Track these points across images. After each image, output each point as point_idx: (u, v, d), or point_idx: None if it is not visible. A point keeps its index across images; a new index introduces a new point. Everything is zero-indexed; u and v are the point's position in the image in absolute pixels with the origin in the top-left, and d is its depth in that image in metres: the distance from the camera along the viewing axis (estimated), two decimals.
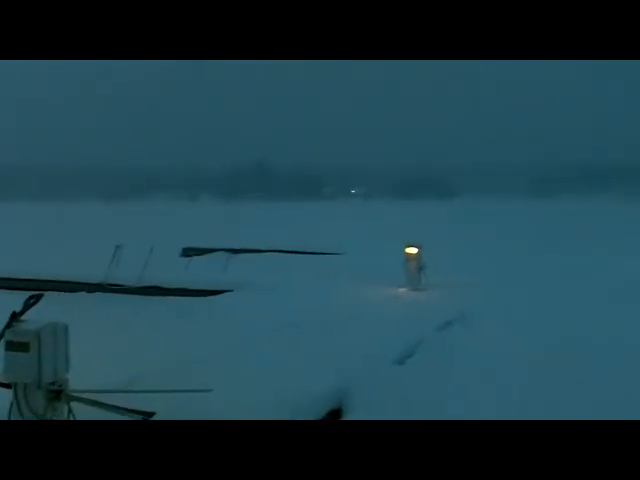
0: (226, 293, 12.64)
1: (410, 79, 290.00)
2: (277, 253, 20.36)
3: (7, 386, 4.43)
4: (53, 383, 4.38)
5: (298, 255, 19.97)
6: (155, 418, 4.64)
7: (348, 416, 5.69)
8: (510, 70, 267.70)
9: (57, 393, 4.40)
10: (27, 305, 4.50)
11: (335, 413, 5.84)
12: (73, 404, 4.51)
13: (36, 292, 4.65)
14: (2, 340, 4.34)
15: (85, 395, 4.66)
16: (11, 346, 4.28)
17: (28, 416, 4.27)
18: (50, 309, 4.66)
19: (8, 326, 4.36)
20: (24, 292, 5.22)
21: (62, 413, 4.44)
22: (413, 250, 12.80)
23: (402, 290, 12.55)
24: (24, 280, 13.47)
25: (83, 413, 4.52)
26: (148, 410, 4.71)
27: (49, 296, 4.95)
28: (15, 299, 4.77)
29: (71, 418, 4.46)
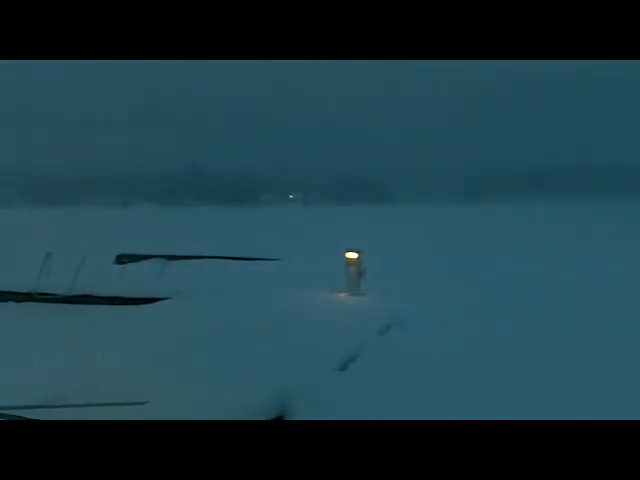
0: (162, 301, 12.31)
1: (349, 81, 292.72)
2: (215, 259, 20.06)
3: None
4: None
5: (236, 261, 19.72)
6: None
7: None
8: (448, 71, 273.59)
9: None
10: None
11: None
12: None
13: None
14: None
15: (11, 412, 4.39)
16: None
17: None
18: None
19: None
20: None
21: None
22: (353, 255, 12.75)
23: (342, 295, 12.48)
24: None
25: None
26: None
27: None
28: None
29: None
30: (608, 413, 4.47)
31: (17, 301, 13.06)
